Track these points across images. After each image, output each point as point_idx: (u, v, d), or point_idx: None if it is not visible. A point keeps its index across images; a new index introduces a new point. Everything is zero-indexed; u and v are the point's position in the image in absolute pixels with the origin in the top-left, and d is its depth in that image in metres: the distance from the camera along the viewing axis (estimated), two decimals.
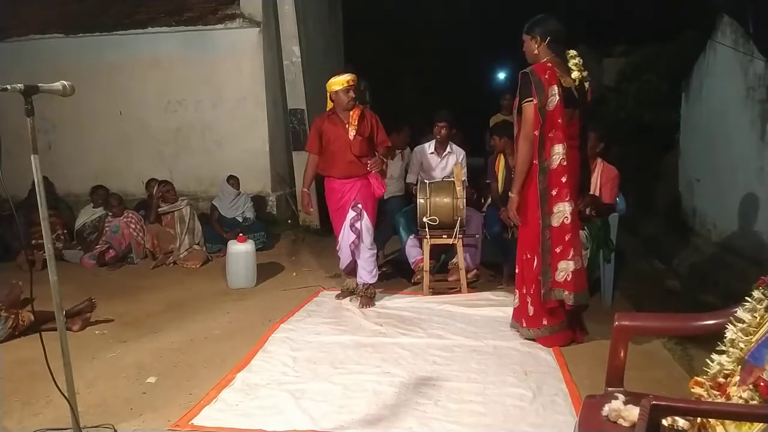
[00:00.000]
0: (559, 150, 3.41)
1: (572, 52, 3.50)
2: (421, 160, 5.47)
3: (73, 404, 2.30)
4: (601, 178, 4.47)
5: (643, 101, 7.69)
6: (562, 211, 3.45)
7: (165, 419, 2.83)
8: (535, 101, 3.39)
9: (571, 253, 3.48)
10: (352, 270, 4.70)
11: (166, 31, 7.44)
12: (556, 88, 3.36)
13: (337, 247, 4.69)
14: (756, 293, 1.86)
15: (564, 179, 3.42)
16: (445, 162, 5.40)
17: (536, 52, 3.50)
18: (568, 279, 3.49)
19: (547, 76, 3.37)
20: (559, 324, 3.63)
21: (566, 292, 3.51)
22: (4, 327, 3.84)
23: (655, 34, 8.17)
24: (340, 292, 4.81)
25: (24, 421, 2.83)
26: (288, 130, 7.82)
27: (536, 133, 3.42)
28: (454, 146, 5.46)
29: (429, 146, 5.47)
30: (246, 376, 3.29)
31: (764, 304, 1.82)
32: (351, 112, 4.45)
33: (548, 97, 3.36)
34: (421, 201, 4.87)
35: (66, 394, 2.28)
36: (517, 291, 3.80)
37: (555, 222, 3.47)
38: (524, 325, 3.72)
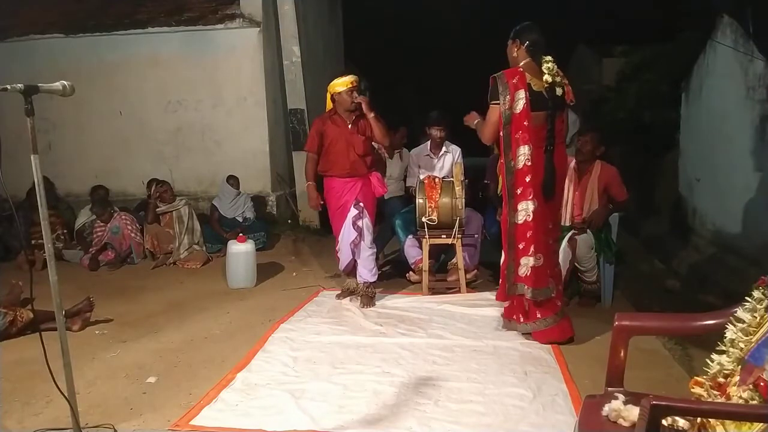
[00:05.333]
0: (524, 151, 3.52)
1: (547, 58, 3.58)
2: (418, 162, 5.48)
3: (73, 404, 2.30)
4: (600, 179, 4.47)
5: (643, 101, 7.69)
6: (525, 209, 3.56)
7: (165, 419, 2.82)
8: (500, 104, 3.52)
9: (532, 249, 3.57)
10: (352, 270, 4.71)
11: (166, 31, 7.46)
12: (523, 92, 3.48)
13: (337, 248, 4.70)
14: (756, 293, 1.86)
15: (528, 179, 3.54)
16: (441, 162, 5.41)
17: (515, 55, 3.63)
18: (528, 274, 3.59)
19: (515, 81, 3.50)
20: (553, 317, 3.68)
21: (526, 287, 3.62)
22: (3, 321, 3.84)
23: (655, 34, 8.17)
24: (340, 292, 4.81)
25: (24, 421, 2.83)
26: (288, 130, 7.83)
27: (501, 134, 3.56)
28: (451, 145, 5.46)
29: (425, 148, 5.47)
30: (246, 376, 3.29)
31: (764, 304, 1.82)
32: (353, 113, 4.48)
33: (514, 101, 3.50)
34: (420, 201, 4.88)
35: (66, 394, 2.28)
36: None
37: (519, 219, 3.59)
38: (521, 320, 3.77)
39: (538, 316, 3.68)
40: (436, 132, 5.33)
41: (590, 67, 11.16)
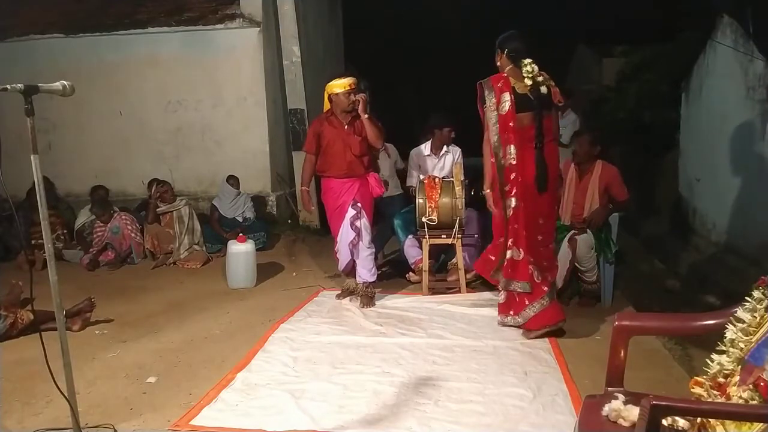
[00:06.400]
0: (511, 150, 3.75)
1: (526, 61, 3.76)
2: (418, 162, 5.47)
3: (73, 404, 2.30)
4: (601, 179, 4.48)
5: (643, 101, 7.69)
6: (509, 205, 3.79)
7: (165, 419, 2.83)
8: (486, 107, 3.75)
9: (510, 242, 3.79)
10: (351, 270, 4.71)
11: (166, 31, 7.45)
12: (508, 95, 3.71)
13: (336, 248, 4.70)
14: (756, 293, 1.86)
15: (512, 176, 3.76)
16: (442, 162, 5.41)
17: (499, 63, 3.87)
18: (505, 265, 3.83)
19: (500, 85, 3.74)
20: (540, 301, 3.77)
21: (502, 276, 3.86)
22: (3, 324, 3.84)
23: (655, 34, 8.17)
24: (340, 292, 4.81)
25: (24, 421, 2.83)
26: (288, 130, 7.83)
27: (488, 135, 3.78)
28: (452, 145, 5.46)
29: (425, 147, 5.47)
30: (246, 376, 3.29)
31: (764, 304, 1.82)
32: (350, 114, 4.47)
33: (500, 103, 3.73)
34: (420, 201, 4.88)
35: (66, 394, 2.28)
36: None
37: (507, 215, 3.81)
38: (513, 314, 3.89)
39: (527, 303, 3.81)
40: (447, 132, 5.35)
41: (590, 67, 11.15)
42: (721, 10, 5.24)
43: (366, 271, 4.56)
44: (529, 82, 3.72)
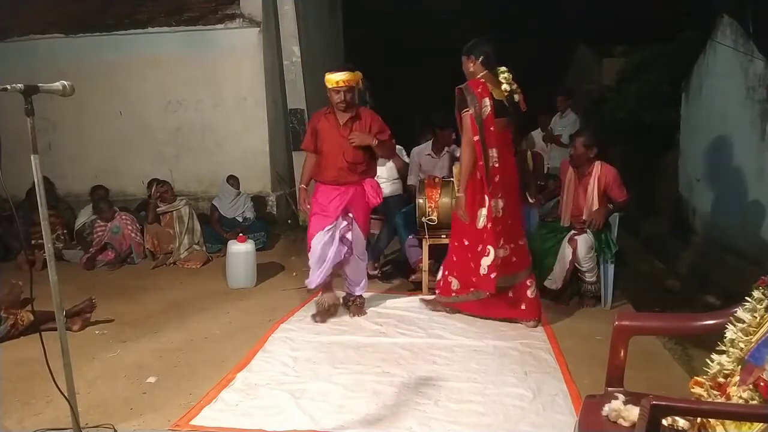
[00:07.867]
0: (492, 154, 3.87)
1: (502, 68, 3.91)
2: (419, 162, 5.47)
3: (73, 404, 2.30)
4: (600, 180, 4.47)
5: (643, 101, 7.69)
6: (495, 206, 3.90)
7: (165, 419, 2.83)
8: (471, 111, 3.81)
9: (501, 242, 3.93)
10: (327, 285, 4.26)
11: (166, 31, 7.46)
12: (487, 100, 3.81)
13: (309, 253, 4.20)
14: (756, 293, 1.86)
15: (497, 179, 3.89)
16: (443, 162, 5.41)
17: (471, 69, 3.93)
18: (492, 263, 3.92)
19: (479, 90, 3.81)
20: (465, 296, 4.11)
21: (492, 275, 3.95)
22: (4, 326, 3.84)
23: (655, 34, 8.17)
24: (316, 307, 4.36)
25: (24, 421, 2.83)
26: (288, 130, 7.84)
27: (477, 138, 3.83)
28: (452, 145, 5.46)
29: (426, 147, 5.47)
30: (246, 376, 3.29)
31: (764, 304, 1.82)
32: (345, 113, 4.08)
33: (482, 108, 3.81)
34: (420, 201, 4.88)
35: (66, 394, 2.28)
36: (442, 270, 4.31)
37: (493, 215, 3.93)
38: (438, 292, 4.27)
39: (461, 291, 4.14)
40: (448, 132, 5.32)
41: (590, 67, 11.15)
42: (721, 10, 5.24)
43: (356, 285, 4.33)
44: (507, 88, 3.87)
